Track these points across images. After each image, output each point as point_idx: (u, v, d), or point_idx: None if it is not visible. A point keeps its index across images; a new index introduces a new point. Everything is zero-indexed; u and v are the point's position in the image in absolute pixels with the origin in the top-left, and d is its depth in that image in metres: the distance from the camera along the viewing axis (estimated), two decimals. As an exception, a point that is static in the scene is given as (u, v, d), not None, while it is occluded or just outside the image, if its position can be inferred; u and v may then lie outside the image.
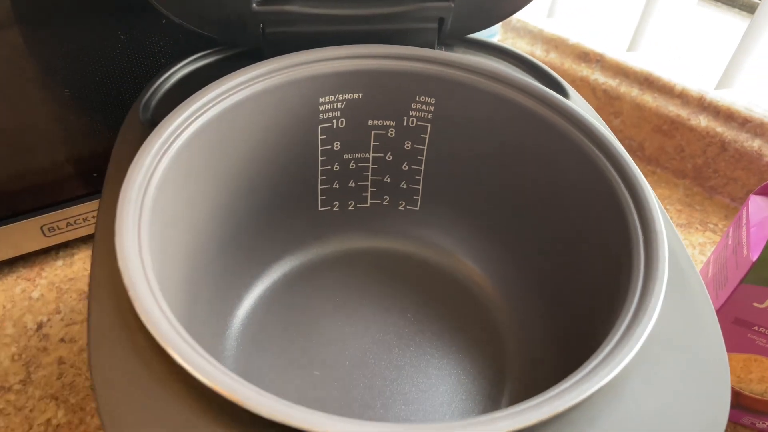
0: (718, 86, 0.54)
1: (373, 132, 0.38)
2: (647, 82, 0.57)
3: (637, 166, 0.33)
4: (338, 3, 0.34)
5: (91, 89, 0.40)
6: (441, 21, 0.36)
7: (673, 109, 0.56)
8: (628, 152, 0.40)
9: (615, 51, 0.58)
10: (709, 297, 0.27)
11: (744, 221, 0.37)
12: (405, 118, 0.38)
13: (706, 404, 0.23)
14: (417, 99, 0.37)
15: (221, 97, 0.32)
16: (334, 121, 0.37)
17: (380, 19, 0.35)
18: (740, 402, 0.41)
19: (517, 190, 0.37)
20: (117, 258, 0.24)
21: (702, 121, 0.55)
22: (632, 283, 0.26)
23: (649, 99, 0.57)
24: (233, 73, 0.32)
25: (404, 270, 0.42)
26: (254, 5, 0.33)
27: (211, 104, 0.31)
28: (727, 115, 0.54)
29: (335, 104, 0.36)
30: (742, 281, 0.34)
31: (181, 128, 0.30)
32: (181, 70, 0.34)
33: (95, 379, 0.22)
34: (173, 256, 0.30)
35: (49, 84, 0.39)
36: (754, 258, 0.33)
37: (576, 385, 0.22)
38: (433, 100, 0.37)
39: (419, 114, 0.38)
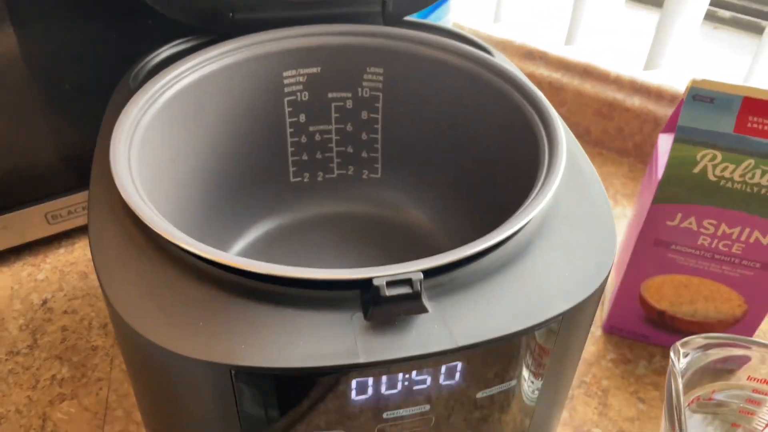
0: (646, 67, 0.61)
1: (333, 104, 0.44)
2: (586, 72, 0.63)
3: (584, 148, 0.39)
4: (295, -10, 0.41)
5: (89, 83, 0.46)
6: (384, 4, 0.43)
7: (610, 93, 0.62)
8: (576, 137, 0.46)
9: (555, 47, 0.65)
10: (602, 186, 0.33)
11: (654, 157, 0.43)
12: (359, 89, 0.44)
13: (595, 254, 0.28)
14: (367, 70, 0.43)
15: (196, 67, 0.38)
16: (298, 94, 0.43)
17: (333, 3, 0.42)
18: (675, 326, 0.46)
19: (457, 141, 0.43)
20: (110, 163, 0.29)
21: (636, 102, 0.62)
22: (538, 179, 0.31)
23: (589, 87, 0.63)
24: (207, 48, 0.39)
25: (367, 228, 0.47)
26: (224, -7, 0.40)
27: (187, 72, 0.37)
28: (657, 94, 0.61)
29: (298, 78, 0.42)
30: (653, 202, 0.40)
31: (162, 90, 0.36)
32: (165, 51, 0.41)
33: (93, 247, 0.27)
34: (159, 205, 0.35)
35: (48, 79, 0.45)
36: (660, 177, 0.39)
37: (487, 238, 0.27)
38: (381, 70, 0.43)
39: (371, 84, 0.44)
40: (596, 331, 0.48)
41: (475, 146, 0.42)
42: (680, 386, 0.32)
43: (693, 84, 0.37)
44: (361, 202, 0.48)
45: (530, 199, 0.29)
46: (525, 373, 0.27)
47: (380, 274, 0.25)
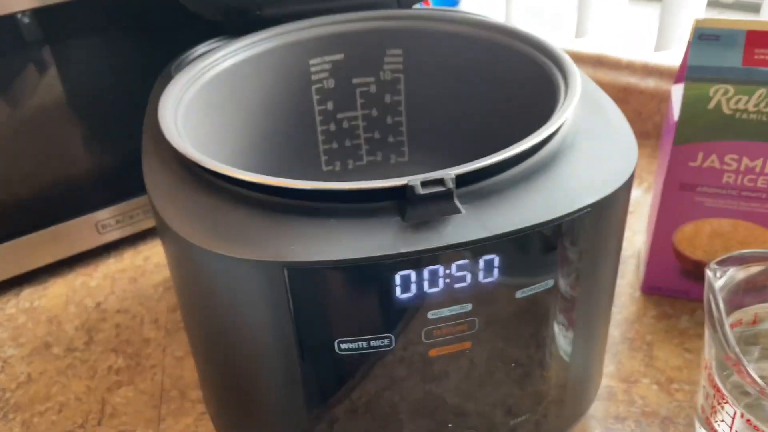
0: (656, 50, 0.63)
1: (357, 90, 0.47)
2: (598, 61, 0.66)
3: None
4: (316, -16, 0.44)
5: (132, 95, 0.50)
6: (398, -9, 0.46)
7: (623, 78, 0.64)
8: None
9: (566, 41, 0.67)
10: (619, 110, 0.34)
11: (670, 107, 0.44)
12: (381, 72, 0.47)
13: (618, 159, 0.30)
14: (387, 53, 0.46)
15: (231, 54, 0.41)
16: (324, 81, 0.46)
17: (350, -6, 0.45)
18: (713, 274, 0.46)
19: (479, 111, 0.45)
20: (158, 117, 0.32)
21: (650, 83, 0.63)
22: (558, 103, 0.33)
23: (602, 75, 0.65)
24: (239, 39, 0.42)
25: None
26: (251, -9, 0.43)
27: (223, 58, 0.41)
28: (670, 74, 0.62)
29: (323, 65, 0.45)
30: (673, 145, 0.41)
31: (202, 72, 0.39)
32: (201, 48, 0.44)
33: (147, 180, 0.30)
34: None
35: (92, 93, 0.49)
36: (676, 118, 0.40)
37: (514, 147, 0.29)
38: (400, 51, 0.46)
39: (392, 66, 0.46)
40: (635, 293, 0.48)
41: (499, 110, 0.44)
42: (719, 298, 0.32)
43: (697, 24, 0.39)
44: (391, 184, 0.50)
45: (553, 116, 0.31)
46: (561, 273, 0.28)
47: (415, 178, 0.26)
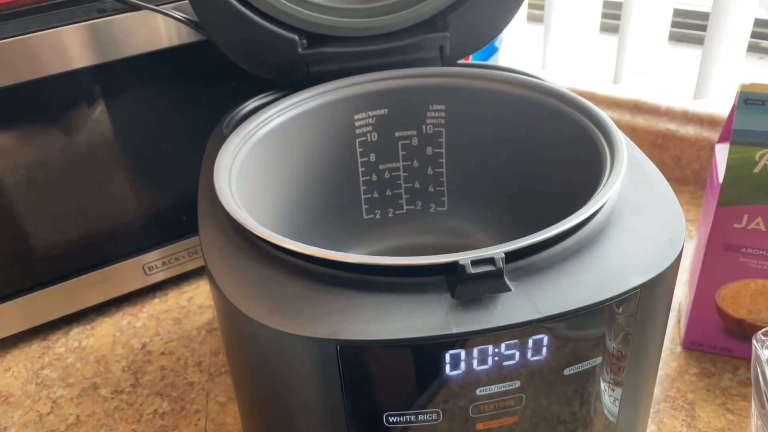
0: (695, 97, 0.63)
1: (399, 142, 0.48)
2: (636, 107, 0.66)
3: None
4: (363, 41, 0.46)
5: (179, 145, 0.52)
6: (441, 48, 0.47)
7: (662, 125, 0.64)
8: None
9: (603, 87, 0.68)
10: (666, 182, 0.34)
11: (713, 166, 0.44)
12: (423, 126, 0.48)
13: (666, 234, 0.30)
14: (430, 108, 0.47)
15: (280, 112, 0.43)
16: (368, 134, 0.47)
17: (395, 51, 0.46)
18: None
19: (518, 166, 0.46)
20: (214, 184, 0.33)
21: (690, 130, 0.63)
22: (603, 176, 0.33)
23: (641, 120, 0.65)
24: (288, 96, 0.43)
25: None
26: (300, 50, 0.45)
27: (273, 117, 0.42)
28: (710, 121, 0.62)
29: (367, 120, 0.47)
30: (717, 206, 0.41)
31: (253, 131, 0.41)
32: (252, 103, 0.46)
33: (203, 246, 0.31)
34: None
35: (141, 142, 0.51)
36: (721, 179, 0.40)
37: (561, 224, 0.29)
38: (443, 107, 0.47)
39: (434, 121, 0.47)
40: (676, 348, 0.48)
41: (538, 168, 0.45)
42: (767, 370, 0.32)
43: (743, 89, 0.39)
44: (430, 233, 0.51)
45: (599, 191, 0.32)
46: (609, 350, 0.29)
47: (464, 256, 0.27)
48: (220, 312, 0.32)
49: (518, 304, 0.27)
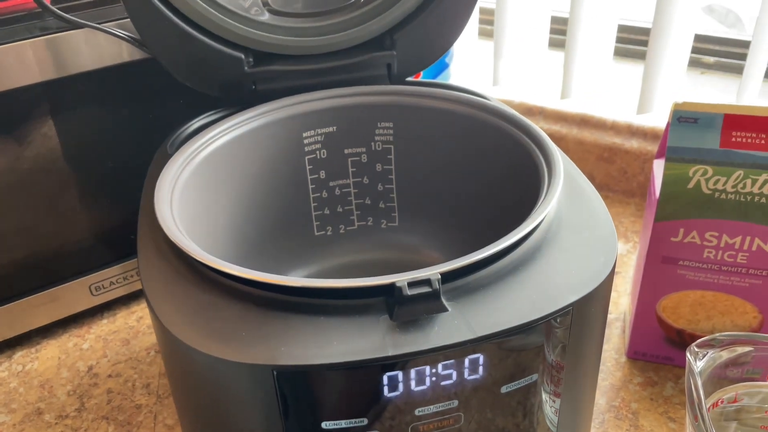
0: (639, 112, 0.65)
1: (349, 159, 0.48)
2: (583, 121, 0.67)
3: None
4: (310, 59, 0.46)
5: (126, 163, 0.51)
6: (389, 66, 0.47)
7: (608, 138, 0.66)
8: None
9: (552, 102, 0.69)
10: (602, 200, 0.35)
11: (651, 181, 0.45)
12: (372, 143, 0.48)
13: (599, 253, 0.31)
14: (379, 125, 0.47)
15: (226, 131, 0.42)
16: (317, 152, 0.47)
17: (342, 69, 0.47)
18: (696, 343, 0.47)
19: (465, 182, 0.46)
20: (154, 206, 0.33)
21: (634, 144, 0.65)
22: (541, 193, 0.34)
23: (588, 134, 0.67)
24: (234, 115, 0.43)
25: (390, 272, 0.49)
26: (246, 68, 0.45)
27: (218, 136, 0.42)
28: (653, 135, 0.64)
29: (316, 137, 0.47)
30: (654, 220, 0.42)
31: (197, 151, 0.40)
32: (198, 122, 0.45)
33: (141, 271, 0.30)
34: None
35: (88, 161, 0.50)
36: (658, 194, 0.42)
37: (498, 243, 0.30)
38: (390, 124, 0.47)
39: (383, 138, 0.48)
40: (621, 358, 0.49)
41: (483, 184, 0.45)
42: (699, 383, 0.33)
43: (675, 107, 0.41)
44: (382, 249, 0.51)
45: (536, 209, 0.32)
46: (545, 368, 0.29)
47: (401, 278, 0.27)
48: (159, 338, 0.31)
49: (454, 325, 0.27)
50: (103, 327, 0.55)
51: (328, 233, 0.51)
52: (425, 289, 0.27)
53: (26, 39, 0.44)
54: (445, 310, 0.27)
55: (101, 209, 0.52)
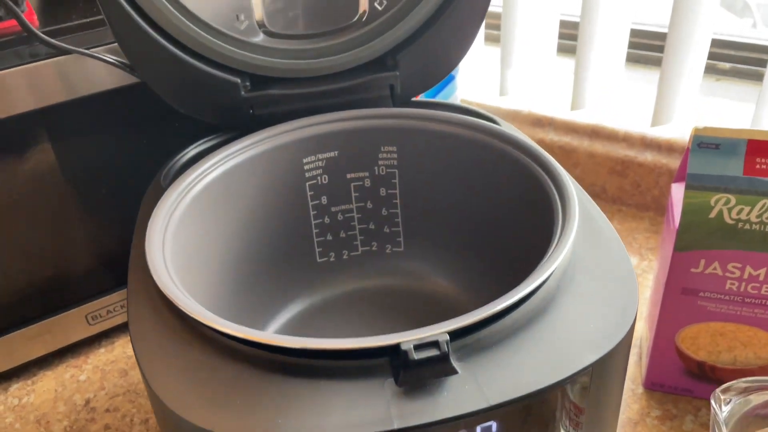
0: (653, 124, 0.62)
1: (351, 184, 0.46)
2: (594, 133, 0.65)
3: (602, 207, 0.40)
4: (309, 82, 0.44)
5: (122, 187, 0.49)
6: (392, 87, 0.45)
7: (621, 151, 0.64)
8: (592, 197, 0.46)
9: (562, 113, 0.67)
10: (621, 241, 0.33)
11: (670, 206, 0.43)
12: (375, 167, 0.46)
13: (618, 304, 0.29)
14: (382, 149, 0.45)
15: (222, 161, 0.40)
16: (319, 177, 0.45)
17: (343, 91, 0.44)
18: (717, 376, 0.45)
19: (473, 208, 0.44)
20: (146, 256, 0.31)
21: (648, 157, 0.63)
22: (554, 235, 0.32)
23: (599, 146, 0.65)
24: (230, 143, 0.41)
25: (396, 300, 0.48)
26: (243, 92, 0.43)
27: (213, 167, 0.40)
28: (668, 147, 0.62)
29: (317, 163, 0.45)
30: (674, 250, 0.40)
31: (192, 184, 0.39)
32: (192, 150, 0.43)
33: (131, 322, 0.28)
34: (194, 293, 0.37)
35: (83, 187, 0.48)
36: (677, 225, 0.39)
37: (509, 296, 0.28)
38: (395, 148, 0.45)
39: (386, 162, 0.46)
40: (637, 388, 0.47)
41: (491, 211, 0.43)
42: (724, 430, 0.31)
43: (696, 132, 0.38)
44: (387, 275, 0.49)
45: (548, 255, 0.30)
46: (562, 425, 0.27)
47: (407, 339, 0.25)
48: (149, 397, 0.29)
49: (465, 390, 0.25)
50: (100, 356, 0.53)
51: (331, 259, 0.49)
52: (433, 352, 0.25)
53: (16, 66, 0.42)
54: (454, 372, 0.25)
55: (97, 237, 0.50)
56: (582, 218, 0.33)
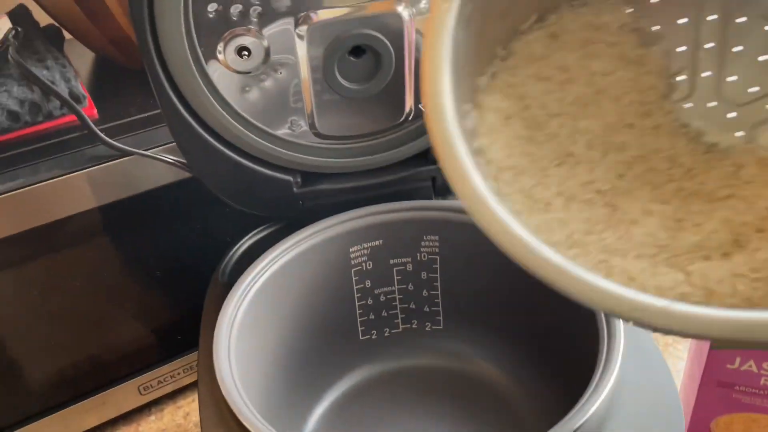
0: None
1: (394, 269, 0.48)
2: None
3: None
4: (356, 177, 0.46)
5: (175, 270, 0.52)
6: (433, 179, 0.47)
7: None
8: None
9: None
10: (663, 358, 0.35)
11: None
12: (418, 254, 0.48)
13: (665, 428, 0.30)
14: (424, 238, 0.47)
15: (277, 258, 0.43)
16: (363, 264, 0.47)
17: (388, 184, 0.47)
18: (751, 460, 0.46)
19: (516, 295, 0.46)
20: (216, 375, 0.33)
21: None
22: (600, 354, 0.34)
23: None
24: (284, 239, 0.44)
25: (436, 380, 0.50)
26: (295, 189, 0.45)
27: (270, 264, 0.42)
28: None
29: (362, 251, 0.47)
30: (710, 348, 0.42)
31: (251, 284, 0.41)
32: (246, 242, 0.46)
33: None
34: (254, 381, 0.39)
35: (140, 270, 0.51)
36: (713, 325, 0.41)
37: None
38: (436, 237, 0.47)
39: (428, 249, 0.48)
40: (671, 465, 0.49)
41: (532, 298, 0.45)
42: None
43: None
44: (428, 354, 0.51)
45: (594, 383, 0.32)
46: None
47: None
48: None
49: None
50: (150, 424, 0.56)
51: (373, 337, 0.51)
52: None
53: (86, 168, 0.44)
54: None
55: (150, 315, 0.53)
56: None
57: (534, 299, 0.45)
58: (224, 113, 0.39)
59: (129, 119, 0.48)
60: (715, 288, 0.23)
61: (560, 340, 0.43)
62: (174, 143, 0.46)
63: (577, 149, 0.28)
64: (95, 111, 0.48)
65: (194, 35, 0.37)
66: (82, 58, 0.59)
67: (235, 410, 0.31)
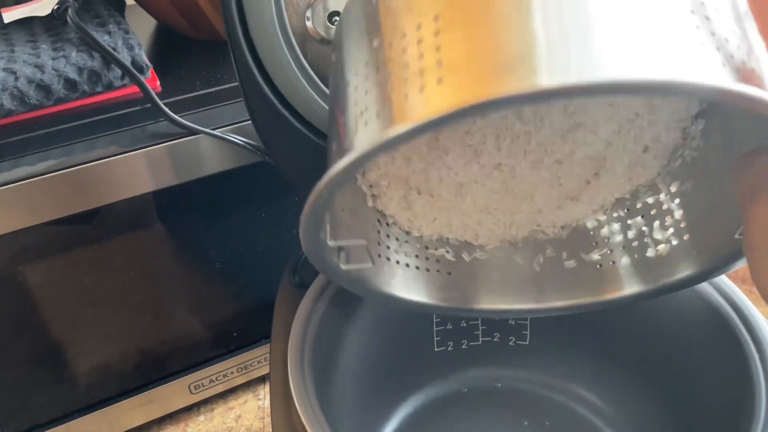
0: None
1: (480, 275, 0.43)
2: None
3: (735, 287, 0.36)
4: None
5: (236, 263, 0.47)
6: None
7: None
8: None
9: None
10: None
11: None
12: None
13: None
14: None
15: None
16: (445, 269, 0.42)
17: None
18: None
19: (616, 312, 0.40)
20: (288, 375, 0.28)
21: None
22: (755, 400, 0.28)
23: None
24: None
25: (519, 402, 0.44)
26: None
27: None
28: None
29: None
30: None
31: (323, 290, 0.36)
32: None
33: None
34: (328, 385, 0.35)
35: (197, 261, 0.46)
36: None
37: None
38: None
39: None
40: None
41: (636, 324, 0.39)
42: None
43: None
44: (511, 371, 0.46)
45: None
46: None
47: None
48: None
49: None
50: (199, 425, 0.52)
51: (449, 348, 0.46)
52: None
53: (138, 149, 0.39)
54: None
55: (204, 310, 0.49)
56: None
57: (645, 326, 0.39)
58: (312, 93, 0.34)
59: (193, 94, 0.43)
60: None
61: (678, 373, 0.38)
62: (241, 123, 0.41)
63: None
64: (158, 83, 0.44)
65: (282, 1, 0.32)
66: (142, 26, 0.55)
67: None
